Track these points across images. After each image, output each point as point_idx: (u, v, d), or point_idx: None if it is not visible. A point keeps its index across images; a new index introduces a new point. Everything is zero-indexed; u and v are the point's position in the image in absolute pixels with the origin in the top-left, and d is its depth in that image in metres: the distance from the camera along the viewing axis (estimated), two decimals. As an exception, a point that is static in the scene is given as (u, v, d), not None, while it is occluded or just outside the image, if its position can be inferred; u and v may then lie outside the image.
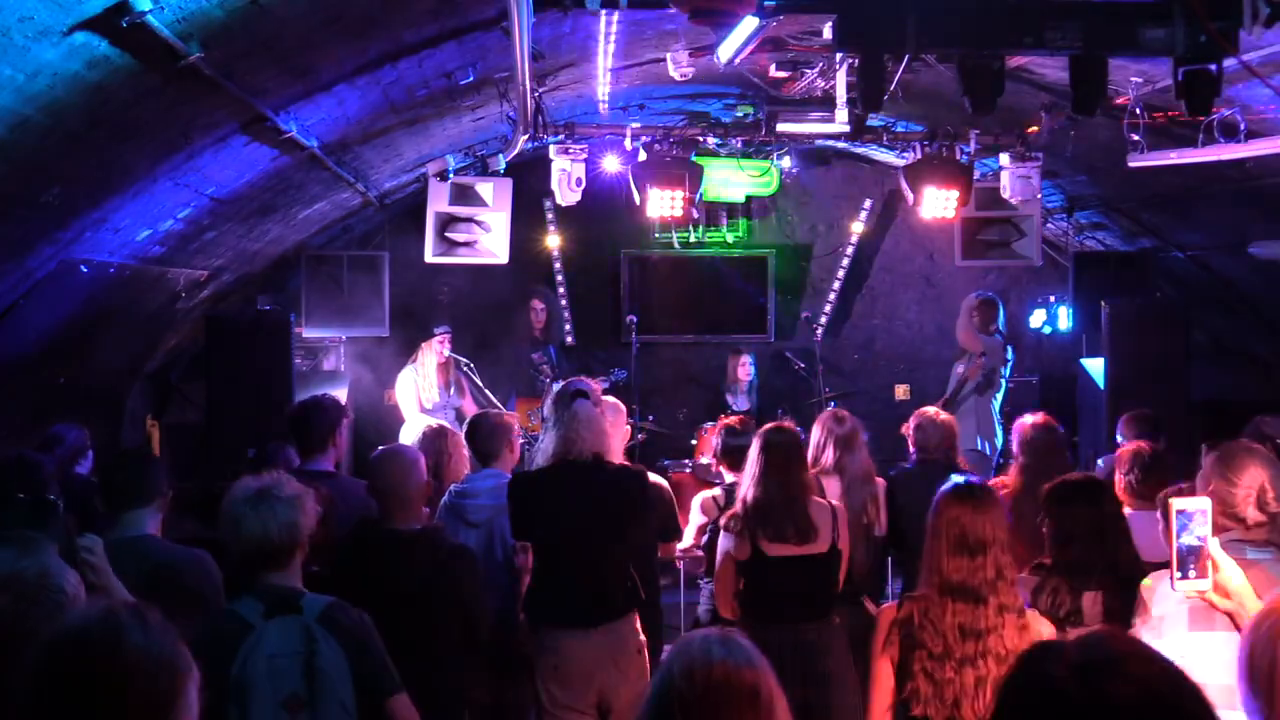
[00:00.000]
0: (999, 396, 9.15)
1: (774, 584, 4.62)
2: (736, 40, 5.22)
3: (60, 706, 1.78)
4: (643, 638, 4.78)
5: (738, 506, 4.69)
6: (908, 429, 5.93)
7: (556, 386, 4.99)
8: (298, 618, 3.26)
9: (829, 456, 5.44)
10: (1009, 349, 9.33)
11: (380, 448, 4.62)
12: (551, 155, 8.02)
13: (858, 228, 11.00)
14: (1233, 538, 3.37)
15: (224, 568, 4.40)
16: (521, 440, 7.91)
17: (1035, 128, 7.49)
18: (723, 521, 4.76)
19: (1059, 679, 1.54)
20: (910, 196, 8.23)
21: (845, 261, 11.07)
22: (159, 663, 1.82)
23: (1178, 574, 2.87)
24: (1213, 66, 4.40)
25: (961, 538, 3.44)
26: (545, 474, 4.74)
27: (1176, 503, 2.91)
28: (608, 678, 4.61)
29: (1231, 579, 3.14)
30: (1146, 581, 3.58)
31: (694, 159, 8.34)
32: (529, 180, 9.29)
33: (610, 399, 5.94)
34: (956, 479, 3.65)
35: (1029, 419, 5.70)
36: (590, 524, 4.63)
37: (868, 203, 11.00)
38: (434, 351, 9.04)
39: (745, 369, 10.16)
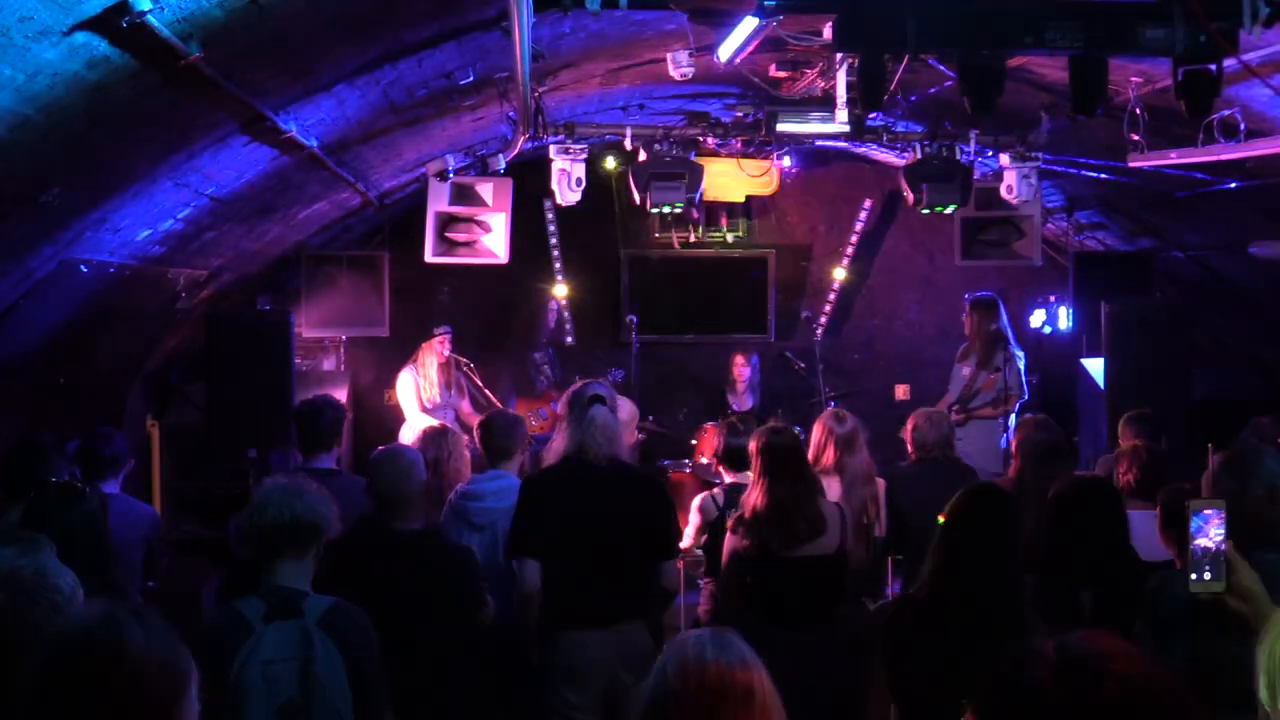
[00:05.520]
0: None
1: (782, 585, 4.60)
2: (736, 40, 5.22)
3: (61, 707, 1.77)
4: (651, 641, 4.76)
5: (747, 513, 4.64)
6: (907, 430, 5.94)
7: (575, 385, 4.95)
8: (298, 621, 3.23)
9: (829, 456, 5.45)
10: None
11: (379, 448, 4.62)
12: (551, 155, 8.02)
13: (858, 227, 11.00)
14: (1241, 539, 3.37)
15: (228, 569, 4.41)
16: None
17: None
18: (729, 525, 4.73)
19: (1040, 680, 1.50)
20: (910, 196, 8.22)
21: (845, 261, 11.06)
22: (160, 664, 1.82)
23: (1194, 575, 2.86)
24: (1213, 66, 4.41)
25: (975, 540, 3.43)
26: (559, 475, 4.72)
27: (1194, 504, 2.90)
28: (618, 679, 4.59)
29: (1247, 581, 3.14)
30: (1151, 582, 3.58)
31: (694, 159, 8.33)
32: (529, 180, 9.29)
33: (625, 401, 5.94)
34: (978, 480, 3.66)
35: (1028, 419, 5.71)
36: (606, 525, 4.62)
37: (868, 203, 10.99)
38: (434, 351, 9.05)
39: (745, 369, 10.15)
